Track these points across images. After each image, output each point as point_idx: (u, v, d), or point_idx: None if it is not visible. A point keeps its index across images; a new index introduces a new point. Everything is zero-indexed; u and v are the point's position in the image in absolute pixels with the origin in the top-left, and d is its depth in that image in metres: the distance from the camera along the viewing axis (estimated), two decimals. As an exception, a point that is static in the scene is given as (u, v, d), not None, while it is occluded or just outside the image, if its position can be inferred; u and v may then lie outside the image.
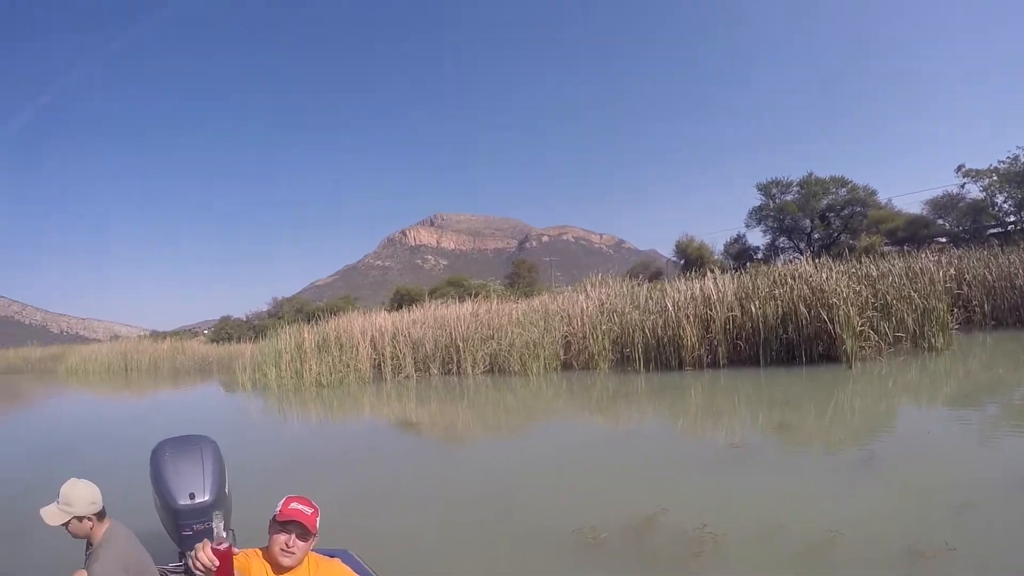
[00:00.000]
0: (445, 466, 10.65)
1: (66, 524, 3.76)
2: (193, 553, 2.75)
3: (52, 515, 3.74)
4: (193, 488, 4.49)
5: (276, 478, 9.54)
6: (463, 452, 12.45)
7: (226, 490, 4.78)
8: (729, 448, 9.79)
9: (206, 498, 4.48)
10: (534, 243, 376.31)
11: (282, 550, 3.17)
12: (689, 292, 22.29)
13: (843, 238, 46.14)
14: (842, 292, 18.97)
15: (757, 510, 6.52)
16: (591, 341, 23.26)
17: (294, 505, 3.23)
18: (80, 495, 3.73)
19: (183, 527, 4.47)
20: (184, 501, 4.45)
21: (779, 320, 20.04)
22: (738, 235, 52.69)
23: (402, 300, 44.36)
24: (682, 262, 48.72)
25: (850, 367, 17.18)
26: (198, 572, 2.68)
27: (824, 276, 20.10)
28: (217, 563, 2.68)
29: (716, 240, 60.75)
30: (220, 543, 2.75)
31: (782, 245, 50.09)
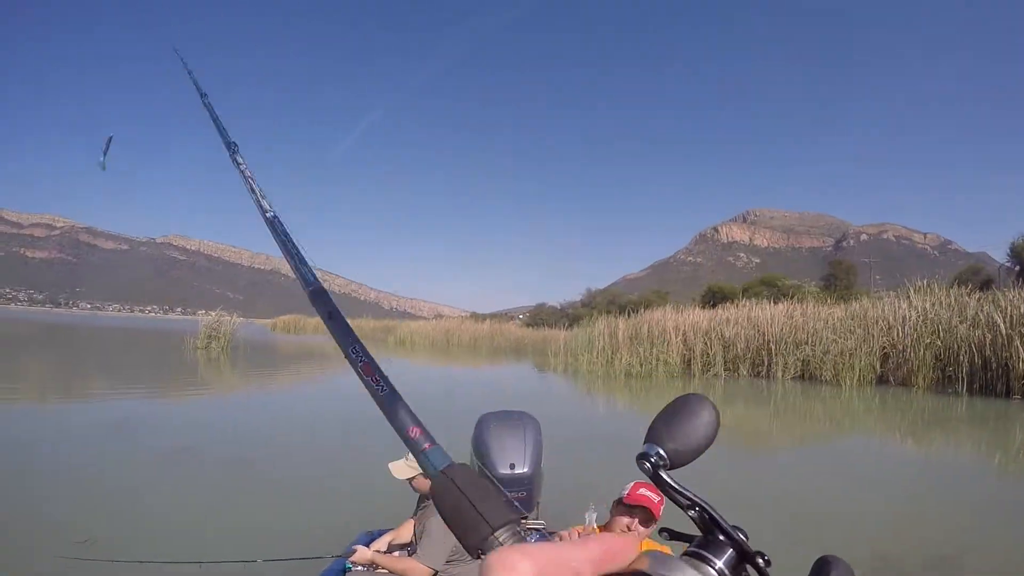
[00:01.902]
0: (741, 472, 10.25)
1: (411, 479, 4.05)
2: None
3: (400, 469, 4.04)
4: (514, 459, 4.67)
5: (581, 458, 9.77)
6: (761, 459, 12.26)
7: (541, 466, 4.90)
8: None
9: (525, 469, 4.63)
10: (851, 241, 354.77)
11: (623, 531, 3.28)
12: None
13: None
14: None
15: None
16: (912, 355, 22.12)
17: (643, 491, 3.37)
18: None
19: None
20: (505, 470, 4.61)
21: None
22: None
23: (714, 297, 44.22)
24: (1017, 268, 43.57)
25: None
26: None
27: None
28: None
29: None
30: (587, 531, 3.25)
31: None
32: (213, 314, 33.93)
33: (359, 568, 3.79)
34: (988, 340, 20.28)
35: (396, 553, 4.02)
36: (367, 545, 3.94)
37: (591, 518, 3.41)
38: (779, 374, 24.45)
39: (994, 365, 19.97)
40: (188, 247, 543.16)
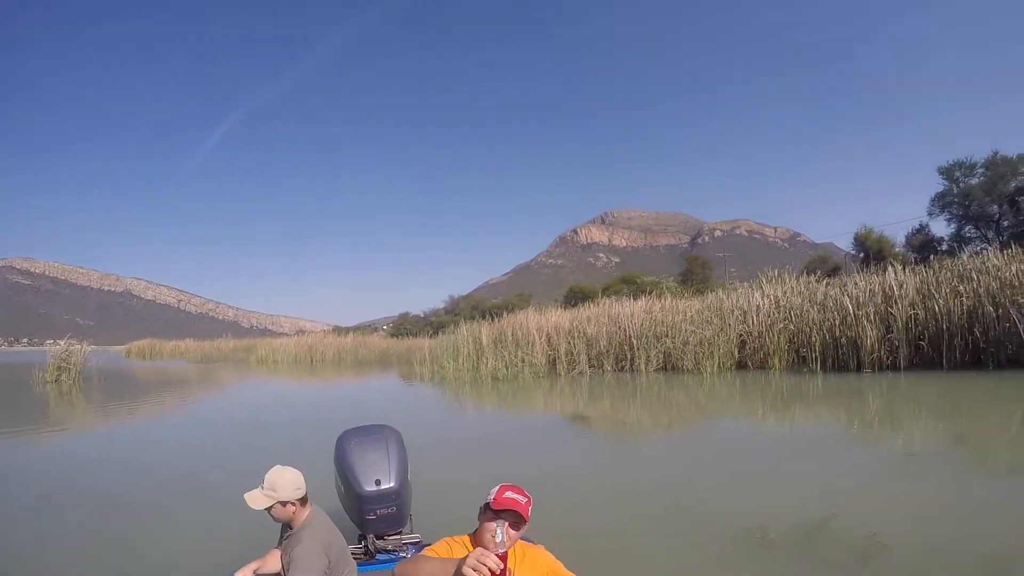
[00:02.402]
0: (616, 461, 10.66)
1: (269, 508, 3.89)
2: (475, 558, 2.78)
3: (256, 499, 3.88)
4: (379, 475, 4.72)
5: (453, 465, 9.74)
6: (635, 447, 12.37)
7: (408, 478, 4.97)
8: (905, 457, 9.49)
9: (392, 484, 4.71)
10: (707, 238, 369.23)
11: (492, 537, 3.13)
12: (868, 289, 21.53)
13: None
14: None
15: (930, 523, 6.35)
16: (767, 340, 23.04)
17: (509, 494, 3.23)
18: (284, 481, 3.86)
19: (367, 512, 4.69)
20: (370, 487, 4.67)
21: (964, 319, 19.07)
22: (920, 225, 48.61)
23: (576, 298, 44.78)
24: (861, 255, 45.77)
25: (1044, 373, 15.83)
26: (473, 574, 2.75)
27: (1015, 270, 18.91)
28: (502, 566, 2.86)
29: (897, 231, 56.84)
30: (501, 548, 2.95)
31: (968, 235, 45.22)
32: (62, 343, 32.00)
33: None
34: (838, 321, 21.31)
35: None
36: None
37: (501, 534, 3.06)
38: (643, 367, 24.78)
39: (844, 343, 21.03)
40: (32, 270, 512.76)
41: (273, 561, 4.04)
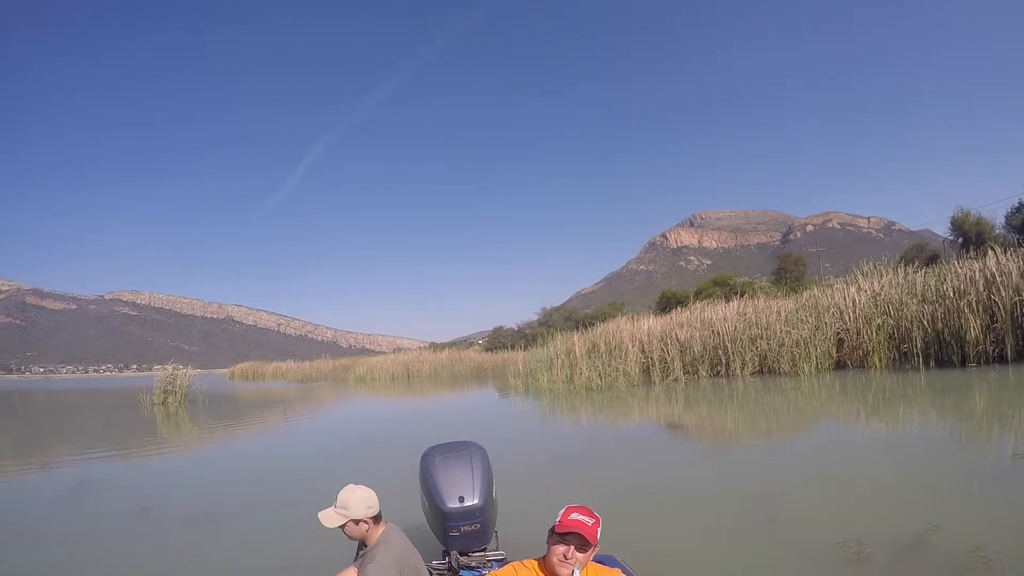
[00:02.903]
0: (711, 470, 10.36)
1: (342, 526, 3.97)
2: None
3: (330, 518, 3.96)
4: (463, 492, 4.75)
5: (544, 479, 9.80)
6: (729, 456, 12.09)
7: (493, 494, 4.97)
8: (1015, 459, 8.83)
9: (476, 501, 4.73)
10: (798, 234, 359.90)
11: (559, 561, 3.16)
12: (968, 276, 20.50)
13: None
14: None
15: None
16: (865, 337, 22.35)
17: (574, 516, 3.19)
18: (357, 500, 3.94)
19: (450, 528, 4.72)
20: (454, 504, 4.70)
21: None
22: (1020, 203, 44.54)
23: (668, 303, 44.42)
24: (960, 240, 43.77)
25: None
26: None
27: None
28: None
29: (996, 212, 53.69)
30: None
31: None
32: (168, 368, 33.22)
33: None
34: (939, 313, 20.46)
35: None
36: None
37: (577, 573, 3.11)
38: (738, 371, 24.42)
39: (947, 336, 20.14)
40: (138, 302, 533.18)
41: None
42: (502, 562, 4.69)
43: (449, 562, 4.80)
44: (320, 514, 3.97)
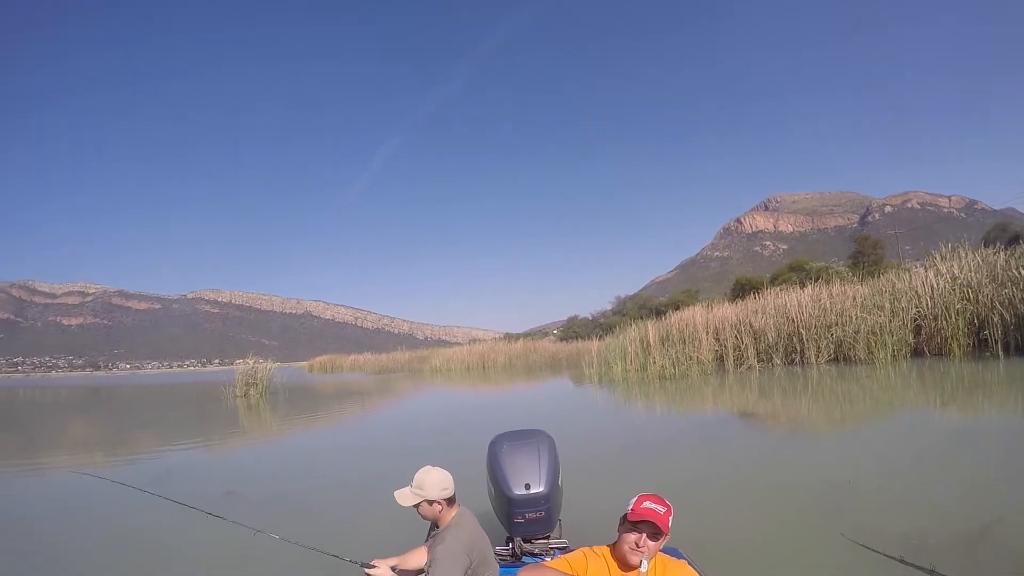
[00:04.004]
0: (781, 460, 10.35)
1: (416, 506, 4.04)
2: None
3: (405, 496, 4.06)
4: (529, 479, 4.78)
5: (613, 468, 9.96)
6: (801, 445, 12.05)
7: (559, 483, 4.99)
8: None
9: (541, 489, 4.76)
10: (876, 215, 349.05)
11: (631, 549, 3.15)
12: None
13: None
14: None
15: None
16: (944, 323, 21.90)
17: (647, 504, 3.19)
18: (433, 481, 4.01)
19: (515, 515, 4.77)
20: (519, 491, 4.75)
21: None
22: None
23: (742, 290, 44.04)
24: None
25: None
26: None
27: None
28: None
29: None
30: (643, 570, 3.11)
31: None
32: (249, 362, 34.23)
33: None
34: (1020, 297, 20.02)
35: None
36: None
37: (645, 564, 3.14)
38: (813, 359, 24.21)
39: (1029, 322, 19.46)
40: (219, 299, 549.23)
41: (418, 557, 4.18)
42: (565, 550, 4.70)
43: (512, 548, 4.91)
44: (396, 492, 4.11)
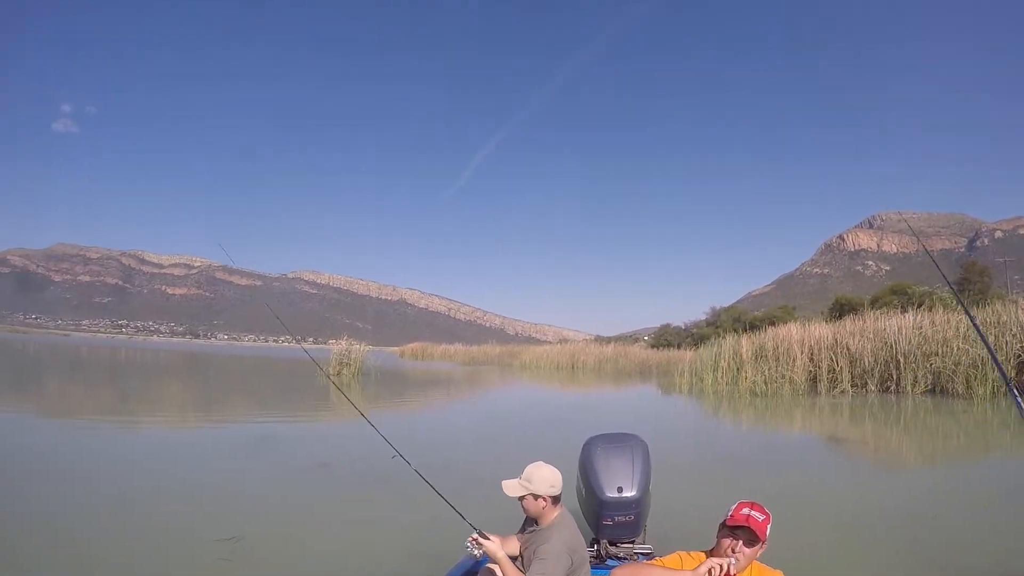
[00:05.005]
0: (865, 488, 10.25)
1: (522, 498, 4.06)
2: (707, 567, 3.11)
3: (512, 487, 4.07)
4: (622, 483, 4.82)
5: (697, 480, 9.97)
6: (887, 476, 11.97)
7: (650, 488, 5.03)
8: None
9: (633, 493, 4.79)
10: (986, 240, 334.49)
11: (726, 555, 3.22)
12: None
13: None
14: None
15: None
16: None
17: (745, 510, 3.26)
18: (541, 476, 4.02)
19: (605, 517, 4.82)
20: (612, 494, 4.78)
21: None
22: None
23: (841, 310, 43.41)
24: None
25: None
26: None
27: None
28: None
29: None
30: (734, 568, 3.21)
31: None
32: (343, 342, 35.09)
33: (482, 555, 4.00)
34: None
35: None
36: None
37: (734, 562, 3.22)
38: (908, 388, 23.83)
39: None
40: (318, 281, 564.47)
41: (510, 545, 4.21)
42: (649, 555, 4.85)
43: (598, 550, 4.95)
44: (504, 482, 4.12)
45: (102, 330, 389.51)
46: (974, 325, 4.00)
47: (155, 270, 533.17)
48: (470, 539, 4.03)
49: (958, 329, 24.16)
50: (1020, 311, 24.24)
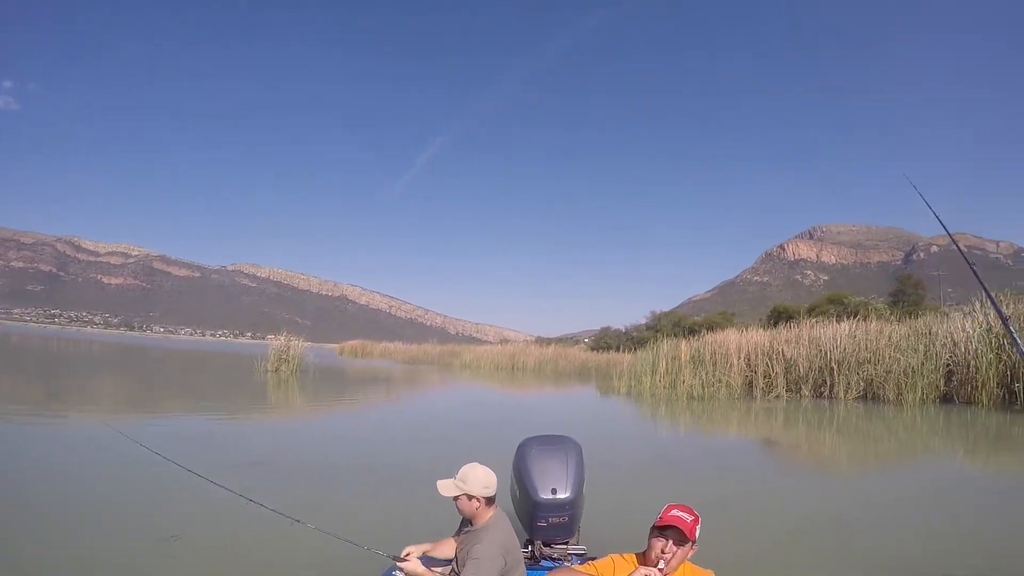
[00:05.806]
0: (798, 491, 10.39)
1: (456, 498, 4.08)
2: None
3: (447, 487, 4.08)
4: (555, 484, 4.81)
5: (632, 482, 9.85)
6: (819, 478, 12.15)
7: (583, 490, 5.03)
8: None
9: (567, 495, 4.79)
10: (922, 254, 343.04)
11: (658, 556, 3.28)
12: None
13: None
14: None
15: None
16: (975, 371, 21.74)
17: (675, 512, 3.33)
18: (475, 477, 4.04)
19: (539, 518, 4.82)
20: (545, 495, 4.78)
21: None
22: None
23: (779, 317, 44.05)
24: None
25: None
26: None
27: None
28: None
29: None
30: (664, 568, 3.27)
31: None
32: (282, 338, 34.70)
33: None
34: (1053, 353, 19.76)
35: (438, 570, 4.17)
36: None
37: (662, 563, 3.29)
38: (841, 394, 24.17)
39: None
40: (258, 274, 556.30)
41: (446, 548, 4.28)
42: (583, 556, 4.83)
43: (532, 551, 4.94)
44: (439, 482, 4.12)
45: (34, 320, 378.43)
46: (1007, 327, 4.03)
47: (91, 258, 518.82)
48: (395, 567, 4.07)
49: (891, 339, 24.67)
50: (951, 323, 24.79)
